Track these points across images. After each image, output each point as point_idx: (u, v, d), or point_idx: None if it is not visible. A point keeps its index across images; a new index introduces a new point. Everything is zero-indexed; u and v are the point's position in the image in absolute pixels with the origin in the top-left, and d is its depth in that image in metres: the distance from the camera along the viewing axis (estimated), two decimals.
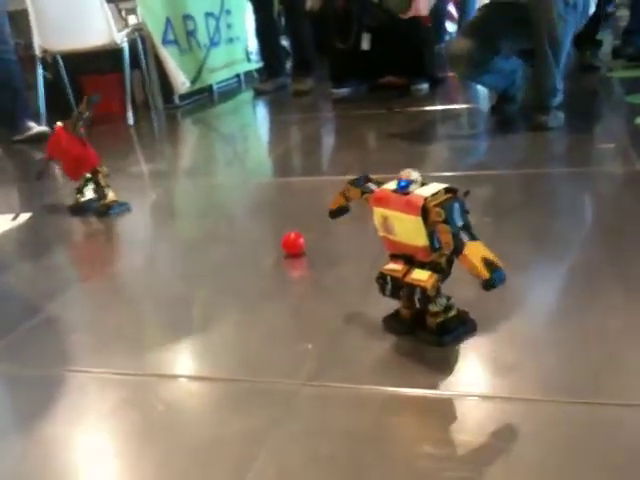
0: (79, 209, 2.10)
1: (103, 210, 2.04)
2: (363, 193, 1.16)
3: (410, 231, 1.07)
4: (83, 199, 2.10)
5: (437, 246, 1.06)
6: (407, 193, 1.06)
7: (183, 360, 1.22)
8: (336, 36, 3.60)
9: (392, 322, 1.19)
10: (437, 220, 1.02)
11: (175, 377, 1.15)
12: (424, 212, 1.03)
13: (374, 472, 0.85)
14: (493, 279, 1.00)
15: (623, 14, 4.77)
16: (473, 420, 0.94)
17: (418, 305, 1.09)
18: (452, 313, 1.13)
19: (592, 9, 2.56)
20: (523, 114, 2.74)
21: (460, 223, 1.03)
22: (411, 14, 2.41)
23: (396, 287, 1.12)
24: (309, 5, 3.76)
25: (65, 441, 1.00)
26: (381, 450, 0.89)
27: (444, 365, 1.07)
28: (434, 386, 1.02)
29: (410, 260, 1.12)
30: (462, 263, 1.02)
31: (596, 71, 3.68)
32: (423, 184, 1.07)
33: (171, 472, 0.90)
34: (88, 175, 2.06)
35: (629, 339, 1.09)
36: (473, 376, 1.06)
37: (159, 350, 1.24)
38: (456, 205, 1.03)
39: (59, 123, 2.05)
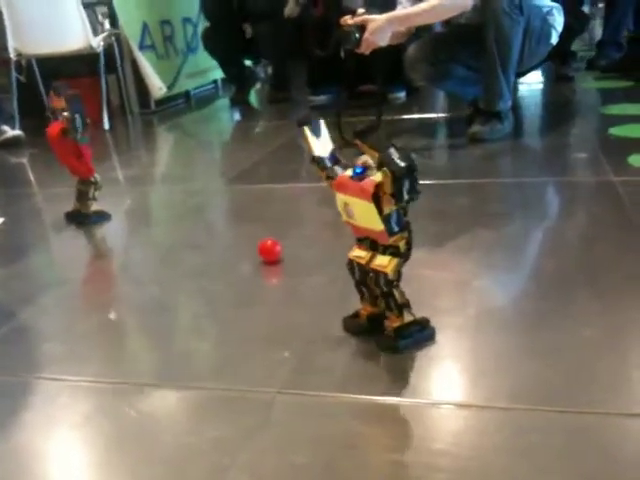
0: (77, 216, 2.03)
1: (82, 220, 1.99)
2: (328, 177, 1.16)
3: (367, 216, 1.09)
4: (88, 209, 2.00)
5: (395, 229, 1.07)
6: (362, 179, 1.07)
7: (157, 368, 1.21)
8: (314, 43, 3.60)
9: (350, 322, 1.22)
10: (391, 206, 1.05)
11: (149, 385, 1.13)
12: (376, 197, 1.04)
13: None
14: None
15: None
16: (448, 428, 0.94)
17: (385, 289, 1.11)
18: (409, 318, 1.14)
19: (554, 39, 2.60)
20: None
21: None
22: (364, 49, 2.41)
23: (363, 272, 1.16)
24: (287, 12, 3.76)
25: (37, 450, 0.98)
26: (357, 459, 0.88)
27: (419, 373, 1.07)
28: (410, 394, 1.02)
29: (374, 244, 1.15)
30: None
31: (570, 82, 3.73)
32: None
33: None
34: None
35: (602, 346, 1.10)
36: (448, 384, 1.07)
37: (133, 358, 1.22)
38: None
39: (62, 117, 1.90)
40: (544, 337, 1.15)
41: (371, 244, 1.15)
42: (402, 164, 1.01)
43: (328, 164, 1.16)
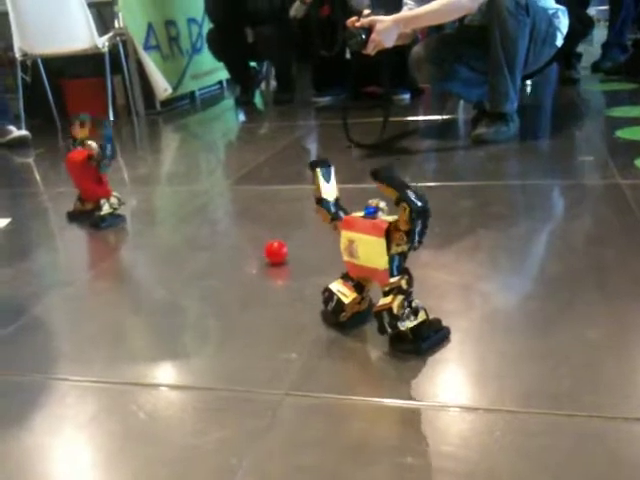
0: (77, 216, 2.06)
1: (96, 222, 1.99)
2: (332, 219, 1.22)
3: (373, 253, 1.13)
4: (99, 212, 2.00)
5: (395, 273, 1.12)
6: (374, 218, 1.13)
7: (163, 369, 1.21)
8: (320, 44, 3.61)
9: (329, 314, 1.25)
10: (400, 246, 1.10)
11: (155, 386, 1.13)
12: (387, 234, 1.09)
13: None
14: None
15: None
16: (456, 431, 0.94)
17: (390, 330, 1.12)
18: (422, 316, 1.14)
19: (559, 42, 2.60)
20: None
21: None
22: (370, 51, 2.41)
23: (339, 308, 1.21)
24: (292, 13, 3.76)
25: (43, 450, 0.98)
26: (364, 461, 0.88)
27: (426, 376, 1.07)
28: (417, 397, 1.02)
29: (360, 287, 1.21)
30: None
31: (575, 84, 3.73)
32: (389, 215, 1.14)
33: None
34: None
35: (609, 349, 1.10)
36: (455, 387, 1.07)
37: (139, 358, 1.22)
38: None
39: (88, 147, 1.94)
40: (550, 340, 1.15)
41: (357, 285, 1.21)
42: (419, 203, 1.05)
43: (332, 209, 1.22)
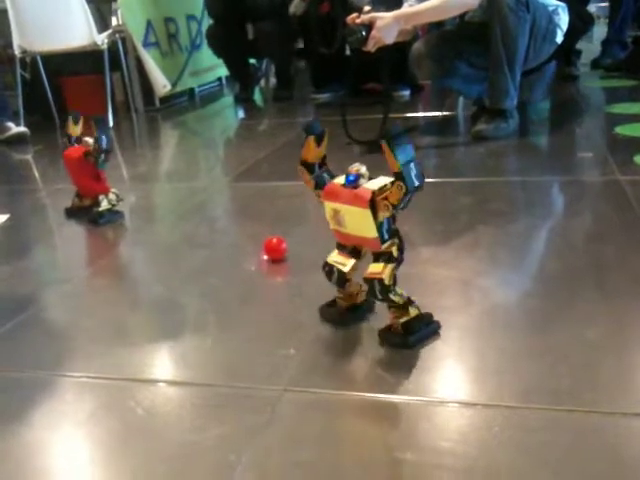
0: (76, 212, 2.06)
1: (95, 218, 1.98)
2: (317, 186, 1.18)
3: (360, 223, 1.10)
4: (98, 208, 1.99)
5: (386, 237, 1.10)
6: (356, 187, 1.10)
7: (162, 365, 1.21)
8: (320, 41, 3.60)
9: (326, 311, 1.25)
10: (386, 213, 1.07)
11: (154, 382, 1.13)
12: (372, 204, 1.07)
13: (355, 479, 0.85)
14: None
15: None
16: (454, 427, 0.94)
17: (380, 297, 1.11)
18: (414, 312, 1.14)
19: (559, 38, 2.60)
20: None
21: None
22: (370, 47, 2.41)
23: (341, 278, 1.20)
24: (292, 10, 3.76)
25: (42, 446, 0.98)
26: (362, 457, 0.88)
27: (425, 371, 1.07)
28: (415, 393, 1.02)
29: (356, 252, 1.18)
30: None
31: (575, 81, 3.73)
32: (370, 178, 1.11)
33: None
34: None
35: (608, 346, 1.10)
36: (454, 383, 1.06)
37: (138, 354, 1.22)
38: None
39: (84, 143, 1.95)
40: (549, 336, 1.14)
41: (352, 251, 1.18)
42: (417, 183, 1.04)
43: (317, 170, 1.18)
